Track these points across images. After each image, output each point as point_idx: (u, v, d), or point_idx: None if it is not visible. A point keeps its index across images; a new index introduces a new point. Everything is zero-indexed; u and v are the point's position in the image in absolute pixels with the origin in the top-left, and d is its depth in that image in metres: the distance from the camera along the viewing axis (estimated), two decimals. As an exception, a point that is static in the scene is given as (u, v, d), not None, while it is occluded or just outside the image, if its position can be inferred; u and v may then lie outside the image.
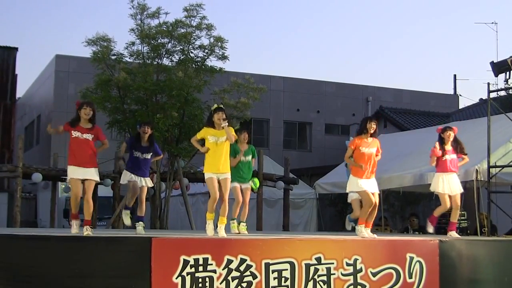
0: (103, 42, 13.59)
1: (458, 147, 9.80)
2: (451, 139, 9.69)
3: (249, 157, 9.54)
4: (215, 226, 8.06)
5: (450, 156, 9.63)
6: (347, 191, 9.18)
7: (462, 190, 9.76)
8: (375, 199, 8.73)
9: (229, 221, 8.92)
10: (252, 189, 9.57)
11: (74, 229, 7.93)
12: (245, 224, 9.40)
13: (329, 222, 18.13)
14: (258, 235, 9.21)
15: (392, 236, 9.63)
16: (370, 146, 8.72)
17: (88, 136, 7.80)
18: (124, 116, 13.56)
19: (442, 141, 9.68)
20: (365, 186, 8.64)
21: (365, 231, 8.65)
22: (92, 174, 7.83)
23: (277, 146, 28.62)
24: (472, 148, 11.56)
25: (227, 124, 8.02)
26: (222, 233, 7.91)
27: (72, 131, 7.76)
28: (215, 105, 8.32)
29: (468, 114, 25.49)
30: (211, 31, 13.79)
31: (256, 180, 9.68)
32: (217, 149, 8.01)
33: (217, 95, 14.13)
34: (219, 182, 8.03)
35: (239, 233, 9.13)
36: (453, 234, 9.57)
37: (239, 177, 9.25)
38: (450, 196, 9.56)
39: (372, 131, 8.73)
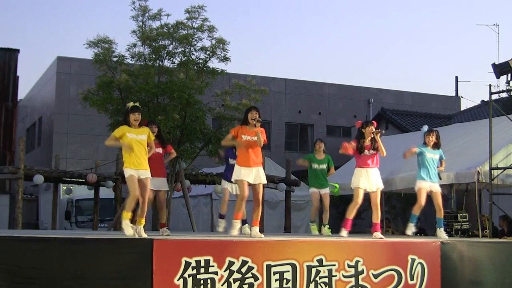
0: (104, 44, 13.59)
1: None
2: (372, 135, 9.11)
3: None
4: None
5: (370, 152, 9.13)
6: (232, 179, 8.57)
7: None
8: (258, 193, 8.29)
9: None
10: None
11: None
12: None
13: (330, 224, 18.09)
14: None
15: (394, 238, 9.61)
16: (252, 135, 8.30)
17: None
18: (126, 118, 13.54)
19: (362, 137, 9.17)
20: (244, 176, 8.25)
21: (236, 229, 8.45)
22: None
23: (279, 148, 28.62)
24: (474, 149, 11.58)
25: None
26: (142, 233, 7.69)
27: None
28: (132, 103, 8.09)
29: (469, 116, 25.46)
30: (213, 32, 13.79)
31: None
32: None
33: (218, 97, 14.13)
34: (139, 180, 7.76)
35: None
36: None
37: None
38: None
39: (251, 122, 8.31)
